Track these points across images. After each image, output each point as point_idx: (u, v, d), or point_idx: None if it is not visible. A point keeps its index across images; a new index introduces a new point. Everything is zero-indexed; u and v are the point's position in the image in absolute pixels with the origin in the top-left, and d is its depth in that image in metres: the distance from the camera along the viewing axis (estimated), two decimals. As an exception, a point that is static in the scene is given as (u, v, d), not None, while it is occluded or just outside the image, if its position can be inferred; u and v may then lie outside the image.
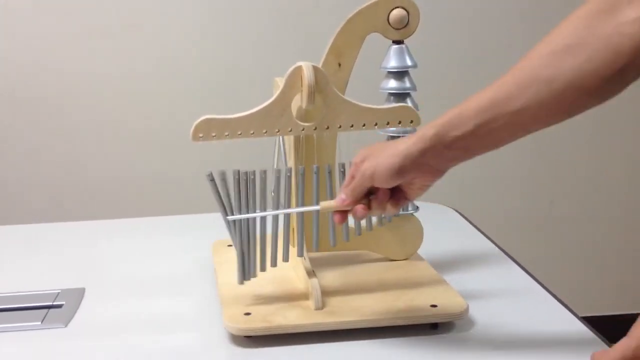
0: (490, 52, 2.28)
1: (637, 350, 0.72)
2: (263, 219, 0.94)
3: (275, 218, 0.95)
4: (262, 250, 0.96)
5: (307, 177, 0.97)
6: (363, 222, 1.00)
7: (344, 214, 0.88)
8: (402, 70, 1.02)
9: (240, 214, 0.93)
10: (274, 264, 0.97)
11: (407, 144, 0.82)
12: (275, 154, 1.07)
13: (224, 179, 0.90)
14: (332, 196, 0.94)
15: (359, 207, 0.86)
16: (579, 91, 0.76)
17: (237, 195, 0.92)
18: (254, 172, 0.92)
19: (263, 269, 0.97)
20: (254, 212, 0.93)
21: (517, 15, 2.28)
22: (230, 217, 0.92)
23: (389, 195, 0.86)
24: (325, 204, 0.89)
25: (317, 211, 0.91)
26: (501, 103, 0.78)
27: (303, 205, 0.96)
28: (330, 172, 0.97)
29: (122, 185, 2.26)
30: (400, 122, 0.96)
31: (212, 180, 0.90)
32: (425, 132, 0.82)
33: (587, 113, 0.79)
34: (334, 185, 0.97)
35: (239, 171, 0.92)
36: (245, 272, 0.96)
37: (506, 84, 0.79)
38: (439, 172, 0.84)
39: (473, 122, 0.79)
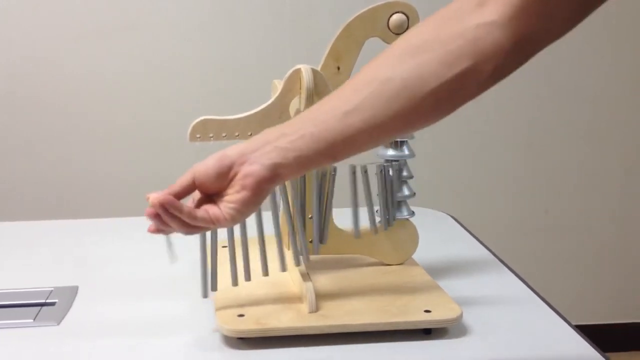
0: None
1: None
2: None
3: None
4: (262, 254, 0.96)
5: (307, 180, 0.97)
6: (363, 228, 1.00)
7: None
8: (400, 75, 1.02)
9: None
10: (283, 269, 0.98)
11: None
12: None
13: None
14: (324, 200, 0.94)
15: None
16: (414, 92, 0.71)
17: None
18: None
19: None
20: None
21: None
22: None
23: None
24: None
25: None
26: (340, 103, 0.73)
27: (300, 207, 0.96)
28: (325, 175, 0.97)
29: (118, 184, 2.26)
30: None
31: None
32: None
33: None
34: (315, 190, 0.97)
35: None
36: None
37: (347, 85, 0.74)
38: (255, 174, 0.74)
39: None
